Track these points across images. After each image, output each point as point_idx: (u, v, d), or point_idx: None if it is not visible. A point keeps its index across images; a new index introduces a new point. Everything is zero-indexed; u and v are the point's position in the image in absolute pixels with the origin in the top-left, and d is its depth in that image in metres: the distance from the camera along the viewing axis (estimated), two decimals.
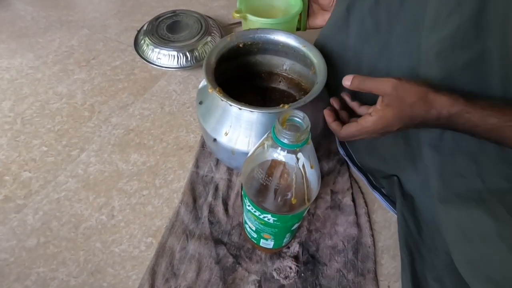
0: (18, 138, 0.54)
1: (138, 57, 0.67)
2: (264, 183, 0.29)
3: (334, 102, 0.43)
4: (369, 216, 0.47)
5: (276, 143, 0.27)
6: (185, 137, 0.56)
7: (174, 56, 0.63)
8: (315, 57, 0.44)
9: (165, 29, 0.66)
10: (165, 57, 0.63)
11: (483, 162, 0.38)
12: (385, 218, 0.47)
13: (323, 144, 0.54)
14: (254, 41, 0.47)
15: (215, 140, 0.42)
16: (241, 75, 0.52)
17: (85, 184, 0.49)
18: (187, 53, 0.63)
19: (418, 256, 0.42)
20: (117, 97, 0.61)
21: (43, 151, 0.53)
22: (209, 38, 0.65)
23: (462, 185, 0.39)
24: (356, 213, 0.47)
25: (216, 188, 0.49)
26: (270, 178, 0.29)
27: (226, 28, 0.74)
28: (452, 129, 0.34)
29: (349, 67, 0.46)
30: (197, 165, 0.52)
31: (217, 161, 0.52)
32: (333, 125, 0.40)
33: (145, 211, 0.47)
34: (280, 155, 0.28)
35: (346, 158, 0.52)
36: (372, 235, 0.45)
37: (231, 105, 0.38)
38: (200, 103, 0.44)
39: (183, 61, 0.63)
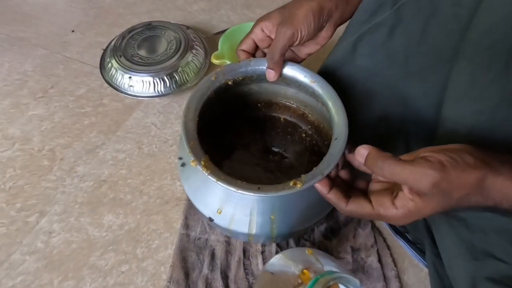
0: None
1: (106, 82, 0.56)
2: None
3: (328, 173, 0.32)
4: (400, 280, 0.39)
5: None
6: (170, 186, 0.46)
7: (149, 82, 0.52)
8: (329, 98, 0.33)
9: (135, 48, 0.55)
10: (138, 84, 0.52)
11: None
12: (419, 278, 0.40)
13: None
14: (247, 75, 0.36)
15: (210, 219, 0.33)
16: (232, 108, 0.42)
17: (47, 263, 0.39)
18: (166, 78, 0.52)
19: None
20: (84, 137, 0.50)
21: None
22: (190, 56, 0.54)
23: (493, 267, 0.31)
24: (384, 277, 0.39)
25: (213, 256, 0.40)
26: None
27: (210, 39, 0.62)
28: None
29: (357, 107, 0.37)
30: (186, 225, 0.42)
31: None
32: (332, 197, 0.28)
33: None
34: None
35: None
36: None
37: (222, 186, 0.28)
38: (182, 165, 0.35)
39: (160, 87, 0.52)
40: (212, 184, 0.32)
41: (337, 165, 0.30)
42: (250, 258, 0.40)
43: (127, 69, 0.52)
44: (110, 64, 0.54)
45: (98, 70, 0.58)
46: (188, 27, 0.60)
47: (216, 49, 0.54)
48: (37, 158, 0.48)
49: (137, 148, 0.49)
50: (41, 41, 0.63)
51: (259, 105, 0.43)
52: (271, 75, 0.35)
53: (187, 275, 0.38)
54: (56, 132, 0.51)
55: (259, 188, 0.27)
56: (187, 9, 0.71)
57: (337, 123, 0.31)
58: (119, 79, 0.53)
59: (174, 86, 0.53)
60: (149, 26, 0.58)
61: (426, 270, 0.39)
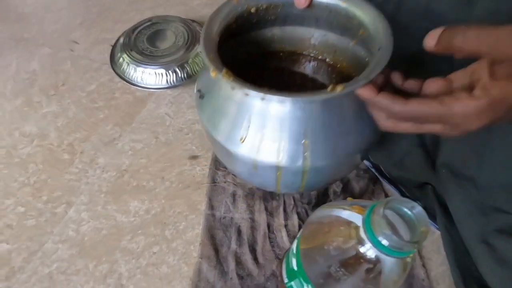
0: None
1: (116, 76, 0.57)
2: (337, 277, 0.23)
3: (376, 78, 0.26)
4: None
5: (376, 246, 0.18)
6: (190, 171, 0.48)
7: (162, 74, 0.53)
8: (365, 14, 0.29)
9: (145, 42, 0.56)
10: (151, 77, 0.53)
11: None
12: (432, 240, 0.42)
13: None
14: (272, 3, 0.32)
15: (227, 151, 0.30)
16: (250, 57, 0.38)
17: (80, 250, 0.41)
18: (177, 69, 0.53)
19: (471, 276, 0.38)
20: (100, 131, 0.51)
21: (20, 212, 0.43)
22: (199, 48, 0.56)
23: (503, 220, 0.33)
24: None
25: (239, 232, 0.42)
26: (347, 274, 0.22)
27: None
28: None
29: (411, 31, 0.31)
30: (211, 206, 0.44)
31: (234, 197, 0.45)
32: (383, 98, 0.22)
33: (160, 274, 0.39)
34: (373, 253, 0.20)
35: (373, 170, 0.47)
36: (423, 265, 0.40)
37: (247, 95, 0.26)
38: (201, 96, 0.32)
39: (173, 78, 0.54)
40: (233, 108, 0.29)
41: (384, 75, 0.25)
42: (275, 232, 0.42)
43: (139, 63, 0.53)
44: (121, 59, 0.55)
45: (107, 65, 0.59)
46: (193, 21, 0.61)
47: None
48: (57, 152, 0.49)
49: (154, 138, 0.51)
50: (47, 40, 0.64)
51: (281, 54, 0.39)
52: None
53: (216, 251, 0.40)
54: (72, 127, 0.52)
55: (289, 93, 0.24)
56: (189, 4, 0.72)
57: (378, 34, 0.27)
58: (131, 73, 0.54)
59: (185, 76, 0.54)
60: (155, 21, 0.59)
61: (438, 232, 0.42)
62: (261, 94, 0.24)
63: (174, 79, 0.54)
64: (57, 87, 0.57)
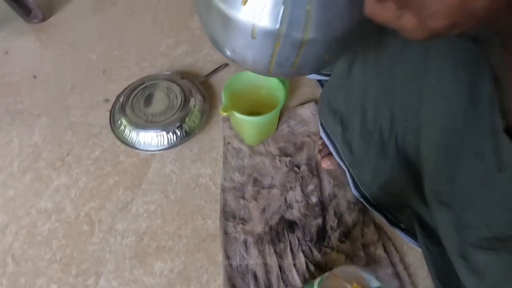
0: (18, 283, 0.48)
1: (118, 140, 0.61)
2: None
3: None
4: (403, 262, 0.50)
5: None
6: (203, 225, 0.53)
7: (162, 136, 0.58)
8: None
9: (142, 105, 0.61)
10: (153, 140, 0.58)
11: (488, 212, 0.39)
12: (417, 257, 0.51)
13: (339, 195, 0.55)
14: None
15: (225, 17, 0.27)
16: None
17: None
18: (176, 130, 0.58)
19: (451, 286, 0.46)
20: (113, 197, 0.56)
21: None
22: (193, 105, 0.61)
23: (474, 235, 0.39)
24: (392, 263, 0.49)
25: (255, 277, 0.48)
26: None
27: (204, 83, 0.69)
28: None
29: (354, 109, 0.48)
30: (227, 256, 0.50)
31: (246, 245, 0.51)
32: None
33: None
34: None
35: (362, 200, 0.54)
36: (412, 283, 0.48)
37: None
38: None
39: (173, 139, 0.58)
40: None
41: None
42: (286, 271, 0.49)
43: (139, 127, 0.58)
44: (122, 126, 0.59)
45: (106, 129, 0.63)
46: (182, 77, 0.66)
47: (211, 91, 0.65)
48: (76, 225, 0.53)
49: (164, 197, 0.56)
50: (42, 109, 0.66)
51: None
52: None
53: None
54: (85, 197, 0.56)
55: None
56: (172, 54, 0.77)
57: None
58: (133, 137, 0.58)
59: (184, 134, 0.59)
60: (148, 83, 0.64)
61: (420, 250, 0.50)
62: None
63: (175, 138, 0.59)
64: (63, 158, 0.60)
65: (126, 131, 0.59)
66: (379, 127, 0.48)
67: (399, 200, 0.51)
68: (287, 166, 0.59)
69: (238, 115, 0.51)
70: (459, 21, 0.21)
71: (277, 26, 0.26)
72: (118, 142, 0.61)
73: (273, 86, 0.57)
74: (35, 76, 0.72)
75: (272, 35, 0.27)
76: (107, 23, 0.86)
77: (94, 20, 0.87)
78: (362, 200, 0.54)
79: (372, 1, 0.23)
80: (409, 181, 0.48)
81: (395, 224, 0.53)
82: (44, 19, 0.84)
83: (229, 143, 0.61)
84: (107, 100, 0.67)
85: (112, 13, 0.89)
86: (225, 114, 0.51)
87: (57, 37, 0.81)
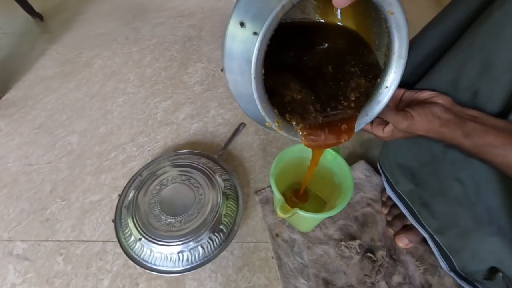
0: None
1: (130, 259, 0.45)
2: None
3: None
4: None
5: None
6: None
7: (196, 249, 0.43)
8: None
9: (160, 211, 0.45)
10: (183, 256, 0.43)
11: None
12: None
13: (434, 283, 0.44)
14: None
15: (242, 24, 0.25)
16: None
17: None
18: (213, 236, 0.43)
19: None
20: None
21: None
22: (225, 193, 0.47)
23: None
24: None
25: None
26: None
27: (222, 156, 0.55)
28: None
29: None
30: None
31: None
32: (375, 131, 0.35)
33: None
34: None
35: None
36: None
37: None
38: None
39: (210, 248, 0.43)
40: None
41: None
42: None
43: (157, 241, 0.42)
44: (137, 244, 0.43)
45: (110, 243, 0.47)
46: (201, 155, 0.52)
47: (233, 163, 0.51)
48: None
49: None
50: (19, 235, 0.49)
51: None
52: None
53: None
54: None
55: None
56: (173, 120, 0.62)
57: (392, 72, 0.30)
58: (149, 256, 0.43)
59: (223, 237, 0.45)
60: (155, 172, 0.49)
61: None
62: None
63: (212, 247, 0.44)
64: None
65: (145, 252, 0.43)
66: None
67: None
68: (358, 253, 0.46)
69: (303, 213, 0.38)
70: (410, 136, 0.34)
71: None
72: (130, 262, 0.45)
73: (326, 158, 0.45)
74: (11, 187, 0.54)
75: None
76: (82, 91, 0.70)
77: (64, 89, 0.71)
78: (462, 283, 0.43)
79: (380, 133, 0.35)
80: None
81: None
82: None
83: (277, 235, 0.48)
84: (112, 221, 0.51)
85: (87, 76, 0.73)
86: (286, 216, 0.38)
87: (20, 119, 0.64)
